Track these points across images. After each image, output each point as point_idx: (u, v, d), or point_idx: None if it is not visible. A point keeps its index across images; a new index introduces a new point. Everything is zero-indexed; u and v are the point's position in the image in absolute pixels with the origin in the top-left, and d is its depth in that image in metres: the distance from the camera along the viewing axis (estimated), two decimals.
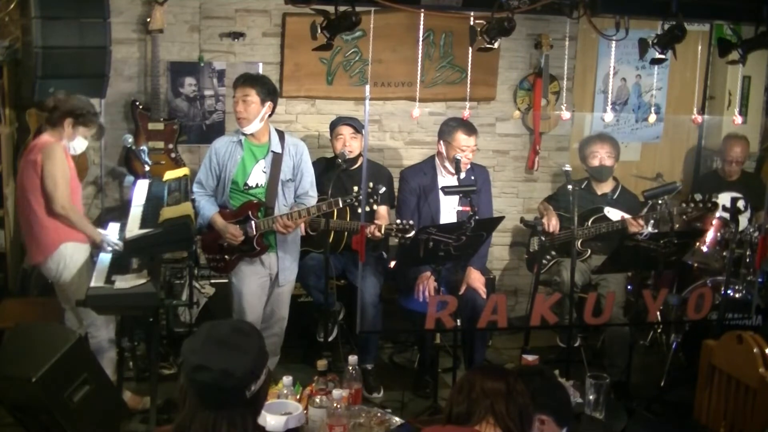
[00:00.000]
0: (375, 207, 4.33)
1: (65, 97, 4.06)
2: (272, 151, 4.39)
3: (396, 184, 5.01)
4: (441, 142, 4.71)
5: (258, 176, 4.40)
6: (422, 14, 4.70)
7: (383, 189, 4.29)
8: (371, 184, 4.25)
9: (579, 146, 5.29)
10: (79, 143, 4.14)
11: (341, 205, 4.28)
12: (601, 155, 5.04)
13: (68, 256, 4.01)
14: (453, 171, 4.60)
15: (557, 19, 5.38)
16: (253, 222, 4.33)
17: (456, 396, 2.26)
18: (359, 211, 4.34)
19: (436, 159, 4.77)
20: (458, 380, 2.32)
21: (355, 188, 4.33)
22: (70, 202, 3.97)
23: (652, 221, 4.71)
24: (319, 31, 3.78)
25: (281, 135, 4.47)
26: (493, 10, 3.87)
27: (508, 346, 5.44)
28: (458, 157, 4.55)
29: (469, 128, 4.68)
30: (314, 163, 4.64)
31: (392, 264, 4.88)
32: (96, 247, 4.09)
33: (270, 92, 4.35)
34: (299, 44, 5.18)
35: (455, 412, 2.22)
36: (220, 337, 2.00)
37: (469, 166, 4.69)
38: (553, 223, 4.87)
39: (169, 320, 4.88)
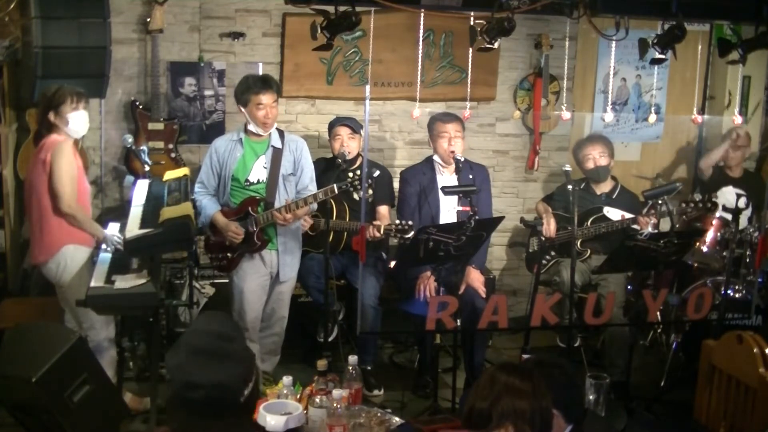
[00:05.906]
0: (370, 191, 4.32)
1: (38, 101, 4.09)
2: (272, 146, 4.40)
3: (396, 185, 5.02)
4: (429, 138, 4.79)
5: (259, 172, 4.40)
6: (422, 14, 4.70)
7: (378, 172, 4.31)
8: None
9: (572, 151, 5.29)
10: (78, 122, 4.02)
11: (336, 191, 4.25)
12: (594, 156, 5.02)
13: (69, 258, 4.00)
14: (448, 167, 4.63)
15: (557, 19, 5.38)
16: (253, 217, 4.33)
17: (479, 391, 2.22)
18: (356, 197, 4.32)
19: (434, 158, 4.77)
20: (482, 377, 2.29)
21: (350, 174, 4.31)
22: (77, 201, 3.96)
23: (652, 221, 4.71)
24: (319, 31, 3.79)
25: (281, 133, 4.49)
26: (493, 10, 3.88)
27: (508, 346, 5.44)
28: (459, 158, 4.55)
29: (447, 116, 4.76)
30: (314, 164, 4.64)
31: (392, 264, 4.88)
32: (98, 246, 4.08)
33: (279, 92, 4.44)
34: (299, 44, 5.18)
35: (477, 407, 2.19)
36: (205, 347, 1.89)
37: (463, 160, 4.69)
38: (551, 228, 4.85)
39: (169, 320, 4.89)
